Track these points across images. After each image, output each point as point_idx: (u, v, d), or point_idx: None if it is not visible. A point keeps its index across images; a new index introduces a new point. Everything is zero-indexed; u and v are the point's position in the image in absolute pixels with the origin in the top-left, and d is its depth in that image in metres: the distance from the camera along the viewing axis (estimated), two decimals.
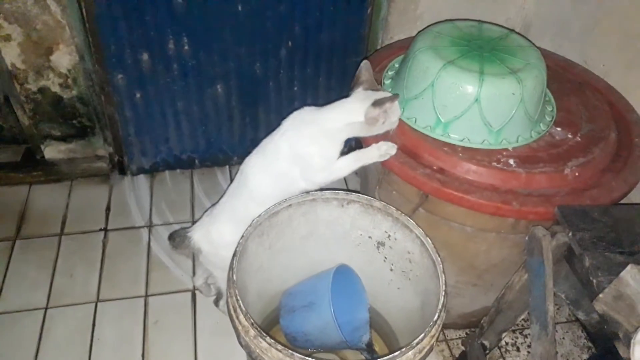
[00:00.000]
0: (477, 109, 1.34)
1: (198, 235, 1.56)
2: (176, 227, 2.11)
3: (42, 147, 2.18)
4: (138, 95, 2.07)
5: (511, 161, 1.36)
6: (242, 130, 2.29)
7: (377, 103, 1.34)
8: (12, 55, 1.88)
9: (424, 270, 1.37)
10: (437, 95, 1.38)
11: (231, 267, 1.25)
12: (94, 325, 1.79)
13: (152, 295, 1.89)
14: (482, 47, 1.44)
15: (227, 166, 2.40)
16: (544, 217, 1.27)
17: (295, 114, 1.47)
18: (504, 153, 1.38)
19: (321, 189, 1.44)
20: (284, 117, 2.18)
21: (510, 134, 1.39)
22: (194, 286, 1.89)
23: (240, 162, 2.32)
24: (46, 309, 1.82)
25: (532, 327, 1.21)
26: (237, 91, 2.14)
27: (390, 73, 1.63)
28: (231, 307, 1.21)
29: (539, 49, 1.49)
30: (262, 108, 2.23)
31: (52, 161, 2.22)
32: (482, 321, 1.49)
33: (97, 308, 1.84)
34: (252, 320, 1.14)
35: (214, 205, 1.62)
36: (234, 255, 1.28)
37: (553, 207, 1.24)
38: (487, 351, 1.54)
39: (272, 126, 2.26)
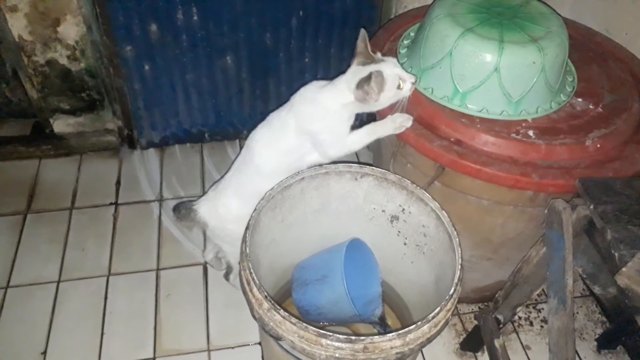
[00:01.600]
0: (497, 78, 1.30)
1: (204, 210, 1.54)
2: (186, 200, 2.10)
3: (51, 120, 2.16)
4: (147, 67, 2.03)
5: (530, 132, 1.32)
6: (252, 103, 2.25)
7: (359, 85, 1.29)
8: (19, 27, 1.84)
9: (439, 244, 1.34)
10: (455, 64, 1.33)
11: (244, 240, 1.24)
12: (106, 298, 1.79)
13: (163, 268, 1.89)
14: (501, 14, 1.39)
15: (237, 140, 2.37)
16: (564, 190, 1.24)
17: (302, 90, 1.44)
18: (523, 124, 1.34)
19: (334, 162, 1.41)
20: (294, 90, 2.15)
21: (529, 104, 1.35)
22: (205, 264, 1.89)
23: None
24: (58, 282, 1.83)
25: (549, 302, 1.19)
26: (247, 63, 2.10)
27: (405, 42, 1.58)
28: (244, 280, 1.19)
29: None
30: (272, 80, 2.19)
31: (61, 135, 2.20)
32: (496, 295, 1.47)
33: (109, 281, 1.84)
34: (266, 293, 1.12)
35: (220, 179, 1.60)
36: (247, 228, 1.26)
37: (574, 179, 1.21)
38: (501, 326, 1.52)
39: (282, 99, 2.23)
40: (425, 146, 1.31)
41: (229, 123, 2.30)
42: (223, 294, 1.81)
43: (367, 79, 1.28)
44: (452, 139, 1.33)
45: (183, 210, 1.56)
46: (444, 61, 1.35)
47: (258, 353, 1.67)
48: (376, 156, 1.83)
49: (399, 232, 1.49)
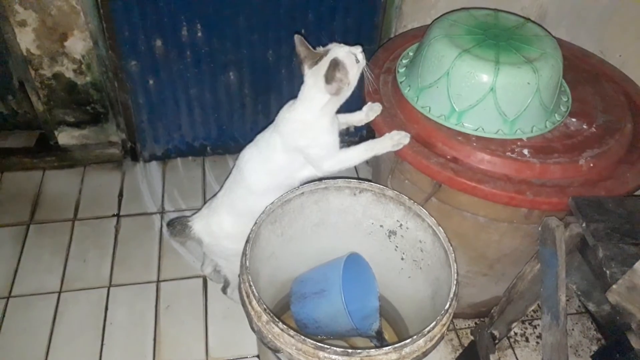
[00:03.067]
0: (492, 98, 1.34)
1: (198, 227, 1.57)
2: (188, 213, 2.11)
3: (56, 132, 2.19)
4: (151, 81, 2.07)
5: (525, 151, 1.35)
6: (254, 118, 2.29)
7: (327, 79, 1.30)
8: (27, 41, 1.89)
9: (435, 260, 1.37)
10: (452, 84, 1.37)
11: (244, 254, 1.26)
12: (106, 309, 1.81)
13: (164, 280, 1.91)
14: (498, 36, 1.43)
15: (239, 154, 2.40)
16: (557, 208, 1.27)
17: (281, 110, 1.48)
18: (518, 143, 1.37)
19: (334, 177, 1.44)
20: None
21: (524, 124, 1.38)
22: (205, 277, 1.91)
23: None
24: (60, 292, 1.85)
25: (543, 318, 1.21)
26: (249, 79, 2.14)
27: (404, 62, 1.62)
28: (244, 293, 1.22)
29: (555, 38, 1.48)
30: (274, 96, 2.23)
31: (65, 147, 2.24)
32: (492, 311, 1.49)
33: (109, 292, 1.86)
34: (265, 306, 1.15)
35: (212, 197, 1.64)
36: (247, 241, 1.29)
37: (567, 197, 1.23)
38: (497, 341, 1.54)
39: None
40: (423, 163, 1.35)
41: (231, 137, 2.34)
42: (222, 306, 1.83)
43: (332, 68, 1.29)
44: (448, 157, 1.36)
45: (178, 226, 1.58)
46: (441, 81, 1.39)
47: None
48: (375, 172, 1.87)
49: (397, 247, 1.51)
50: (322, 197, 1.46)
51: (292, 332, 1.10)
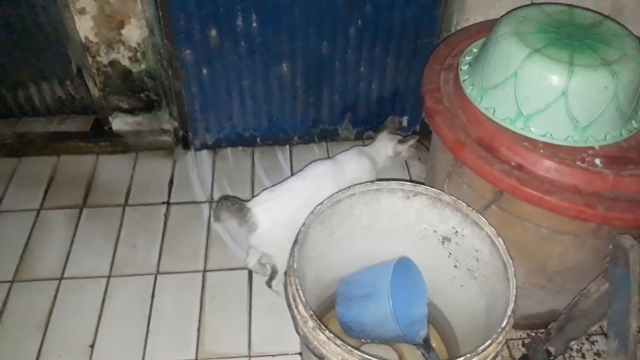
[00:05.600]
0: (564, 102, 1.24)
1: (258, 210, 1.54)
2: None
3: (110, 118, 2.22)
4: (205, 71, 2.06)
5: (597, 161, 1.25)
6: (304, 110, 2.25)
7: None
8: (86, 29, 1.91)
9: (492, 271, 1.30)
10: (520, 85, 1.28)
11: (292, 255, 1.23)
12: (153, 296, 1.83)
13: (210, 270, 1.91)
14: (572, 34, 1.33)
15: (288, 145, 2.38)
16: (632, 225, 1.17)
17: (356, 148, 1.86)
18: (590, 152, 1.27)
19: (387, 179, 1.39)
20: (348, 99, 2.15)
21: (597, 131, 1.28)
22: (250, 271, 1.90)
23: (301, 142, 2.35)
24: (109, 277, 1.88)
25: (609, 342, 1.13)
26: (302, 71, 2.10)
27: (468, 58, 1.53)
28: (290, 296, 1.19)
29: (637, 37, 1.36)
30: (326, 89, 2.18)
31: (119, 133, 2.27)
32: (549, 326, 1.41)
33: (157, 280, 1.88)
34: (312, 312, 1.11)
35: (272, 185, 1.63)
36: (295, 242, 1.26)
37: None
38: (552, 357, 1.46)
39: (336, 108, 2.25)
40: (485, 169, 1.27)
41: (281, 129, 2.31)
42: (267, 300, 1.82)
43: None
44: (512, 163, 1.28)
45: (236, 204, 1.54)
46: (508, 82, 1.30)
47: None
48: (429, 174, 1.79)
49: (450, 254, 1.45)
50: (374, 198, 1.41)
51: (339, 342, 1.06)
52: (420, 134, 2.35)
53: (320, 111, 2.26)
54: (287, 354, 1.69)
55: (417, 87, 2.21)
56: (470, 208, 1.30)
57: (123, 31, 1.94)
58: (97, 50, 1.98)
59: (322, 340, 1.09)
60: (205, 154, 2.33)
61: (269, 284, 1.74)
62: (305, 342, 1.14)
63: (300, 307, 1.14)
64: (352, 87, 2.18)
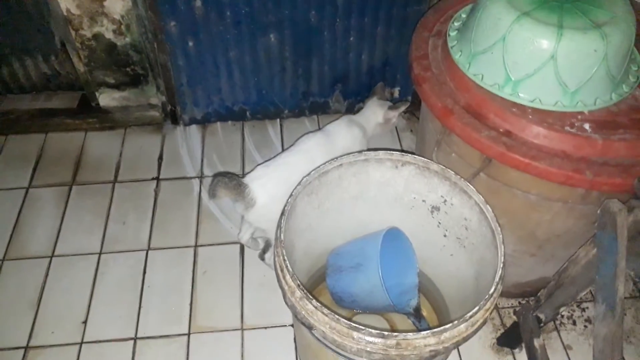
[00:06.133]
0: (553, 66, 1.22)
1: (255, 186, 1.53)
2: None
3: (97, 94, 2.19)
4: (191, 43, 2.02)
5: (586, 126, 1.23)
6: (294, 82, 2.22)
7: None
8: (67, 1, 1.86)
9: (481, 239, 1.29)
10: (509, 50, 1.25)
11: (279, 226, 1.22)
12: (144, 272, 1.82)
13: (201, 245, 1.90)
14: None
15: (278, 119, 2.35)
16: (620, 189, 1.16)
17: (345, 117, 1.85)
18: (579, 117, 1.25)
19: (375, 149, 1.37)
20: (338, 70, 2.11)
21: (587, 95, 1.26)
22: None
23: (291, 116, 2.32)
24: (100, 254, 1.87)
25: (596, 306, 1.13)
26: (290, 41, 2.06)
27: (456, 24, 1.50)
28: (278, 267, 1.18)
29: None
30: (315, 59, 2.14)
31: (106, 109, 2.24)
32: (539, 294, 1.41)
33: (148, 256, 1.87)
34: (299, 282, 1.11)
35: (266, 160, 1.62)
36: (282, 214, 1.24)
37: (632, 178, 1.13)
38: (542, 324, 1.46)
39: (325, 79, 2.21)
40: (472, 136, 1.25)
41: (271, 102, 2.28)
42: (258, 274, 1.82)
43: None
44: (501, 130, 1.26)
45: (233, 181, 1.52)
46: (496, 46, 1.28)
47: (290, 335, 1.67)
48: (420, 143, 1.77)
49: (440, 223, 1.44)
50: (362, 169, 1.40)
51: (325, 311, 1.06)
52: (412, 105, 2.32)
53: (310, 83, 2.23)
54: (279, 326, 1.69)
55: (408, 56, 2.17)
56: (459, 176, 1.29)
57: (106, 3, 1.89)
58: (79, 24, 1.94)
59: (309, 309, 1.08)
60: (194, 129, 2.31)
61: (262, 257, 1.74)
62: (293, 312, 1.13)
63: (288, 277, 1.13)
64: (342, 57, 2.15)
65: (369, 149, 1.39)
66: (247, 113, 2.32)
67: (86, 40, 1.99)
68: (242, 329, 1.68)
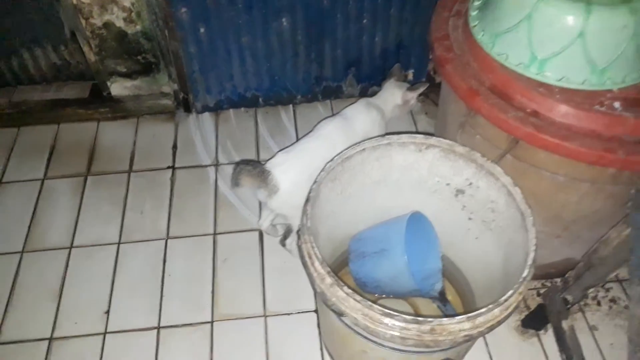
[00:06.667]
0: (581, 44, 1.19)
1: (278, 172, 1.52)
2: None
3: (109, 83, 2.17)
4: (202, 30, 1.99)
5: (616, 104, 1.20)
6: (306, 67, 2.19)
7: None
8: None
9: (509, 221, 1.27)
10: (534, 29, 1.22)
11: (304, 213, 1.21)
12: (164, 261, 1.82)
13: (220, 233, 1.90)
14: None
15: (291, 105, 2.32)
16: None
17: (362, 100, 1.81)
18: (608, 95, 1.22)
19: (398, 132, 1.35)
20: (351, 53, 2.08)
21: (616, 73, 1.23)
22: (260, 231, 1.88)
23: (304, 101, 2.29)
24: (119, 244, 1.87)
25: (632, 288, 1.11)
26: (303, 25, 2.03)
27: (476, 3, 1.46)
28: (305, 254, 1.17)
29: None
30: (328, 43, 2.11)
31: (118, 98, 2.22)
32: (567, 275, 1.40)
33: (167, 245, 1.87)
34: (329, 269, 1.10)
35: (287, 146, 1.62)
36: (307, 200, 1.23)
37: None
38: (569, 306, 1.45)
39: (338, 63, 2.19)
40: (500, 117, 1.23)
41: (283, 87, 2.25)
42: (279, 260, 1.81)
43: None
44: (528, 110, 1.24)
45: (257, 168, 1.51)
46: (521, 25, 1.24)
47: (314, 320, 1.67)
48: (440, 125, 1.74)
49: (464, 206, 1.42)
50: (385, 153, 1.38)
51: (358, 297, 1.05)
52: (427, 87, 2.30)
53: (322, 67, 2.20)
54: (302, 312, 1.69)
55: (422, 38, 2.15)
56: (485, 158, 1.27)
57: None
58: (89, 12, 1.91)
59: (340, 296, 1.08)
60: (207, 117, 2.29)
61: (282, 243, 1.73)
62: (323, 299, 1.13)
63: (317, 264, 1.12)
64: (355, 40, 2.11)
65: (391, 133, 1.36)
66: (260, 99, 2.29)
67: (97, 29, 1.96)
68: (265, 316, 1.68)
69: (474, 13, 1.44)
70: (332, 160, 1.30)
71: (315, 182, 1.26)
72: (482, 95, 1.26)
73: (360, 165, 1.38)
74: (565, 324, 1.42)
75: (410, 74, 2.30)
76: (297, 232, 1.42)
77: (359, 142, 1.33)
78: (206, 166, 2.11)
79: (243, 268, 1.80)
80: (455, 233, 1.50)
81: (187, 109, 2.28)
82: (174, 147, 2.18)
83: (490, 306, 1.03)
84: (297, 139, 2.16)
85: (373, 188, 1.47)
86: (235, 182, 1.51)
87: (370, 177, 1.44)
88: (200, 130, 2.24)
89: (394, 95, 1.83)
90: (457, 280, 1.60)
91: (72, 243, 1.87)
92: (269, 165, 1.54)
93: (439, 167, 1.39)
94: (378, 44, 2.15)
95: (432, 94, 2.33)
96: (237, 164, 1.53)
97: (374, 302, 1.02)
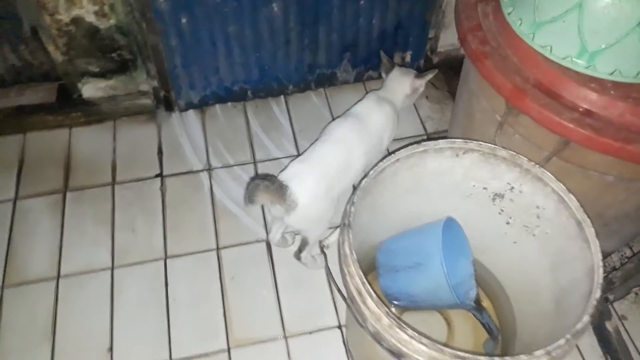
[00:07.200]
0: (639, 33, 1.07)
1: (295, 185, 1.37)
2: (237, 169, 1.92)
3: (80, 85, 1.93)
4: (184, 20, 1.78)
5: None
6: (299, 55, 2.01)
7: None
8: None
9: (559, 229, 1.18)
10: (586, 18, 1.10)
11: (343, 242, 1.08)
12: (166, 284, 1.66)
13: (224, 247, 1.74)
14: None
15: (282, 96, 2.15)
16: None
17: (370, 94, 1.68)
18: None
19: (435, 138, 1.22)
20: (347, 38, 1.91)
21: None
22: (267, 236, 1.74)
23: (296, 91, 2.12)
24: (112, 268, 1.69)
25: None
26: (295, 9, 1.84)
27: None
28: (353, 289, 1.04)
29: None
30: (323, 28, 1.93)
31: (91, 100, 1.99)
32: (610, 275, 1.33)
33: (166, 265, 1.70)
34: (387, 309, 0.97)
35: (298, 156, 1.48)
36: (345, 225, 1.10)
37: None
38: (609, 303, 1.39)
39: (333, 48, 2.02)
40: (552, 119, 1.11)
41: (274, 78, 2.07)
42: (292, 272, 1.68)
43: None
44: (580, 109, 1.12)
45: (275, 183, 1.35)
46: (570, 14, 1.12)
47: (339, 337, 1.56)
48: (461, 121, 1.59)
49: (502, 210, 1.32)
50: (419, 161, 1.25)
51: (425, 340, 0.93)
52: (425, 69, 2.17)
53: (316, 54, 2.03)
54: (325, 329, 1.57)
55: (421, 18, 2.01)
56: (533, 162, 1.16)
57: None
58: (54, 7, 1.67)
59: (402, 338, 0.96)
60: (192, 115, 2.09)
61: (297, 256, 1.59)
62: (377, 338, 1.01)
63: (370, 302, 1.00)
64: (351, 23, 1.95)
65: (429, 138, 1.23)
66: (249, 92, 2.11)
67: (64, 25, 1.72)
68: (286, 337, 1.55)
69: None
70: (367, 176, 1.16)
71: (352, 202, 1.12)
72: (530, 95, 1.14)
73: (392, 176, 1.25)
74: (610, 325, 1.36)
75: (408, 56, 2.16)
76: (321, 247, 1.30)
77: (393, 153, 1.20)
78: (198, 172, 1.93)
79: (254, 285, 1.66)
80: (488, 237, 1.40)
81: (169, 107, 2.07)
82: (160, 152, 1.98)
83: (569, 338, 0.93)
84: (293, 133, 2.03)
85: (403, 196, 1.35)
86: (250, 200, 1.35)
87: (401, 186, 1.31)
88: (186, 130, 2.04)
89: (402, 85, 1.69)
90: (488, 283, 1.52)
91: (59, 272, 1.67)
92: (284, 178, 1.39)
93: (477, 171, 1.27)
94: (375, 26, 1.99)
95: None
96: (252, 179, 1.38)
97: (401, 314, 0.92)
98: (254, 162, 1.94)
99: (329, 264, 1.26)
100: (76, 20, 1.71)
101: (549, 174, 1.14)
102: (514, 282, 1.41)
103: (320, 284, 1.65)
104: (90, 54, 1.83)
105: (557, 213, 1.17)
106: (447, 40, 2.13)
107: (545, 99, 1.13)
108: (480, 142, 1.20)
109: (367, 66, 2.14)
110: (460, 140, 1.21)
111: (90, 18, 1.72)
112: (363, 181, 1.15)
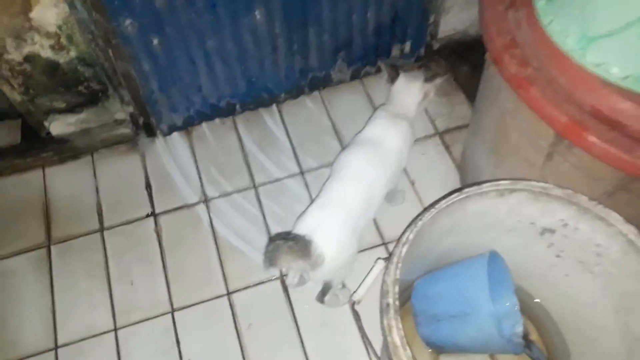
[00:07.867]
0: None
1: (319, 238, 1.21)
2: (237, 197, 1.74)
3: (46, 123, 1.71)
4: (155, 41, 1.55)
5: None
6: (288, 61, 1.79)
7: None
8: None
9: (626, 272, 1.04)
10: None
11: (388, 311, 0.94)
12: (178, 342, 1.50)
13: (234, 291, 1.58)
14: None
15: (274, 105, 1.94)
16: None
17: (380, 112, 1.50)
18: None
19: (479, 183, 1.06)
20: (340, 38, 1.71)
21: None
22: (281, 273, 1.58)
23: (289, 98, 1.92)
24: (115, 330, 1.53)
25: None
26: (280, 15, 1.62)
27: None
28: None
29: None
30: (313, 30, 1.71)
31: (61, 137, 1.76)
32: None
33: (174, 319, 1.54)
34: None
35: (315, 199, 1.33)
36: (385, 296, 0.96)
37: None
38: None
39: (325, 50, 1.81)
40: (622, 158, 0.95)
41: (263, 88, 1.86)
42: (313, 311, 1.53)
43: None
44: None
45: (299, 242, 1.20)
46: (633, 27, 0.93)
47: None
48: (490, 137, 1.39)
49: (551, 244, 1.18)
50: (459, 206, 1.09)
51: None
52: (425, 59, 1.98)
53: (307, 58, 1.81)
54: None
55: (419, 5, 1.79)
56: (594, 202, 1.01)
57: (32, 14, 1.39)
58: (3, 47, 1.43)
59: None
60: (177, 138, 1.88)
61: (321, 299, 1.44)
62: None
63: None
64: (344, 21, 1.73)
65: (472, 184, 1.06)
66: (237, 106, 1.89)
67: (16, 65, 1.48)
68: None
69: (541, 4, 1.10)
70: (406, 232, 1.00)
71: (395, 266, 0.97)
72: (590, 130, 0.97)
73: (429, 225, 1.09)
74: None
75: (407, 46, 1.95)
76: (352, 305, 1.15)
77: (431, 207, 1.03)
78: (193, 205, 1.74)
79: (274, 330, 1.52)
80: (533, 267, 1.27)
81: (151, 133, 1.85)
82: (148, 185, 1.78)
83: None
84: (292, 148, 1.84)
85: (439, 238, 1.20)
86: (271, 263, 1.19)
87: (437, 231, 1.16)
88: (173, 157, 1.83)
89: (412, 93, 1.50)
90: (528, 305, 1.39)
91: (56, 342, 1.51)
92: (305, 231, 1.22)
93: (523, 209, 1.12)
94: (371, 20, 1.77)
95: (432, 63, 2.01)
96: (271, 239, 1.21)
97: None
98: (255, 187, 1.76)
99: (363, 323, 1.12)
100: (30, 58, 1.48)
101: (615, 215, 0.99)
102: (567, 315, 1.29)
103: (344, 320, 1.51)
104: (52, 90, 1.60)
105: (624, 255, 1.03)
106: (448, 24, 1.93)
107: (609, 134, 0.96)
108: (531, 182, 1.04)
109: (363, 62, 1.93)
110: (506, 181, 1.05)
111: (47, 53, 1.48)
112: (405, 237, 0.99)
